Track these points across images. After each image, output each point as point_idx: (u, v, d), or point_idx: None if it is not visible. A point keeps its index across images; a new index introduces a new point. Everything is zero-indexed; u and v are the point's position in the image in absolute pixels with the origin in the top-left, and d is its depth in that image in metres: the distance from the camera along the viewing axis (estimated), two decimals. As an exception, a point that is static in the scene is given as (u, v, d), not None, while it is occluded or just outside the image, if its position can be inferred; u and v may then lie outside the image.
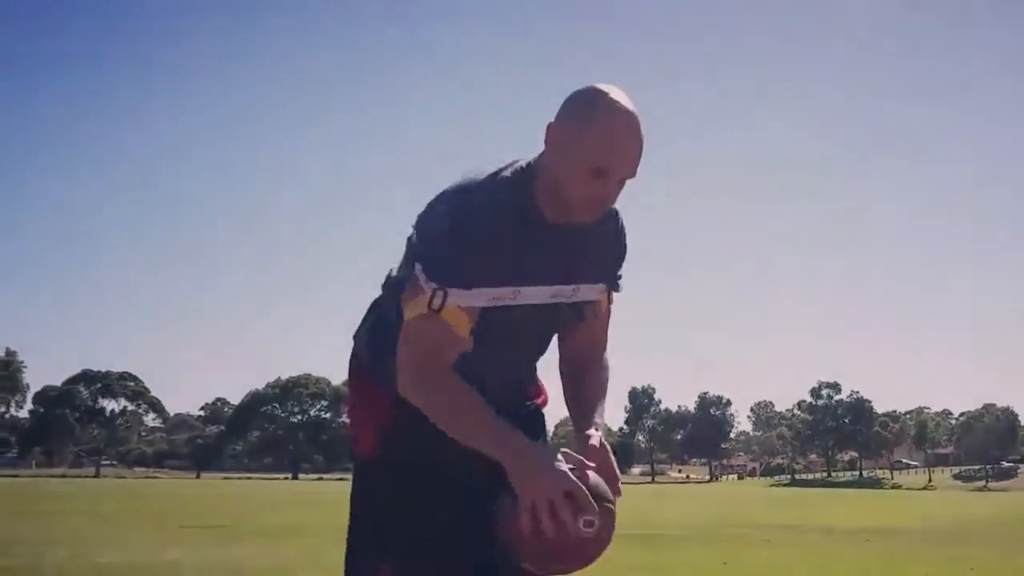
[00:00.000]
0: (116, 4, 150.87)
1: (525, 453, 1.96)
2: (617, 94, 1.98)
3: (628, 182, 2.03)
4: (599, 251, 2.20)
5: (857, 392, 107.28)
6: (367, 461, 2.21)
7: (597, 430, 2.12)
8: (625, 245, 2.28)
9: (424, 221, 2.06)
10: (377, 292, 2.30)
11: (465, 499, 2.14)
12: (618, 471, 2.07)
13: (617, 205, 2.20)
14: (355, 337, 2.33)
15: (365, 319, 2.32)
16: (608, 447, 2.09)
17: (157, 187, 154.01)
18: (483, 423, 2.01)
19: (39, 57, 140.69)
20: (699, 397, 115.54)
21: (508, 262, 2.03)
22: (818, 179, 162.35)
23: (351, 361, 2.33)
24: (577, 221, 2.05)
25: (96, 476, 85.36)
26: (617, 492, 2.03)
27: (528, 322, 2.12)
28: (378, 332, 2.21)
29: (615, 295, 2.31)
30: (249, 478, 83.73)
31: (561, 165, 1.99)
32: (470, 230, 2.00)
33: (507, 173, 2.09)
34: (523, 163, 2.11)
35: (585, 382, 2.26)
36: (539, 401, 2.38)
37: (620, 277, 2.28)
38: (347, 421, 2.33)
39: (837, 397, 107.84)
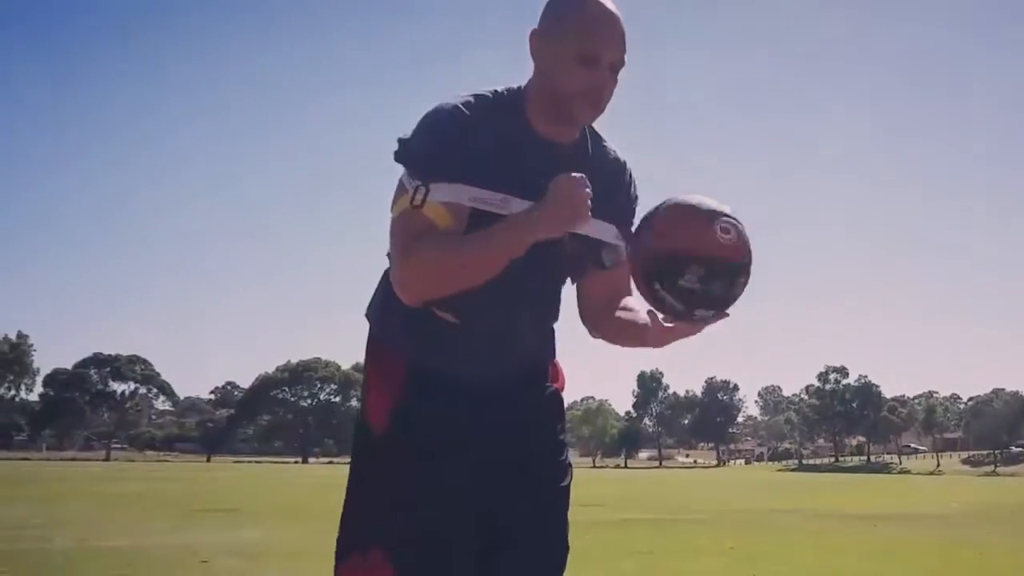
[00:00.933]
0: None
1: (527, 211, 1.93)
2: None
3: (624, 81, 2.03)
4: (604, 185, 2.08)
5: (865, 376, 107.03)
6: (376, 437, 2.14)
7: None
8: (636, 195, 2.24)
9: (413, 128, 2.05)
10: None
11: (472, 482, 2.08)
12: None
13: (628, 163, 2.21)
14: (368, 311, 2.29)
15: (376, 292, 2.28)
16: None
17: (168, 171, 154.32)
18: (481, 236, 1.94)
19: (41, 56, 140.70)
20: (706, 382, 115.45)
21: (495, 166, 2.00)
22: (825, 161, 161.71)
23: (368, 336, 2.27)
24: (578, 119, 2.05)
25: (106, 459, 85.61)
26: None
27: (529, 251, 1.96)
28: (387, 301, 2.16)
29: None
30: (259, 462, 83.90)
31: (549, 63, 2.02)
32: (454, 126, 1.99)
33: (500, 88, 2.10)
34: (515, 84, 2.12)
35: (624, 307, 2.18)
36: (556, 385, 2.31)
37: (635, 226, 2.18)
38: (359, 397, 2.28)
39: (845, 381, 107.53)
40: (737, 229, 1.96)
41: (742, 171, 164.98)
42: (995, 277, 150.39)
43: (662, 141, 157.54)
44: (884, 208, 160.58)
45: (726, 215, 1.96)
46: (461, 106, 2.02)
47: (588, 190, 1.90)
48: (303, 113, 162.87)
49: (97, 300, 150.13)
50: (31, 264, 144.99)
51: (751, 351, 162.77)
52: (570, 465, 2.28)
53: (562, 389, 2.33)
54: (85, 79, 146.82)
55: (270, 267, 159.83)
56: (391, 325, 2.18)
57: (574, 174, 1.90)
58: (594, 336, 2.26)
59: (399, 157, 2.02)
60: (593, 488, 23.80)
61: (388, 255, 2.08)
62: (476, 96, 2.05)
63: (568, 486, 2.24)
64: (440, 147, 1.98)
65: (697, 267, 1.90)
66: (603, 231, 2.10)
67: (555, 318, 2.29)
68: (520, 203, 1.98)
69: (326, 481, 29.60)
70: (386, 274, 2.23)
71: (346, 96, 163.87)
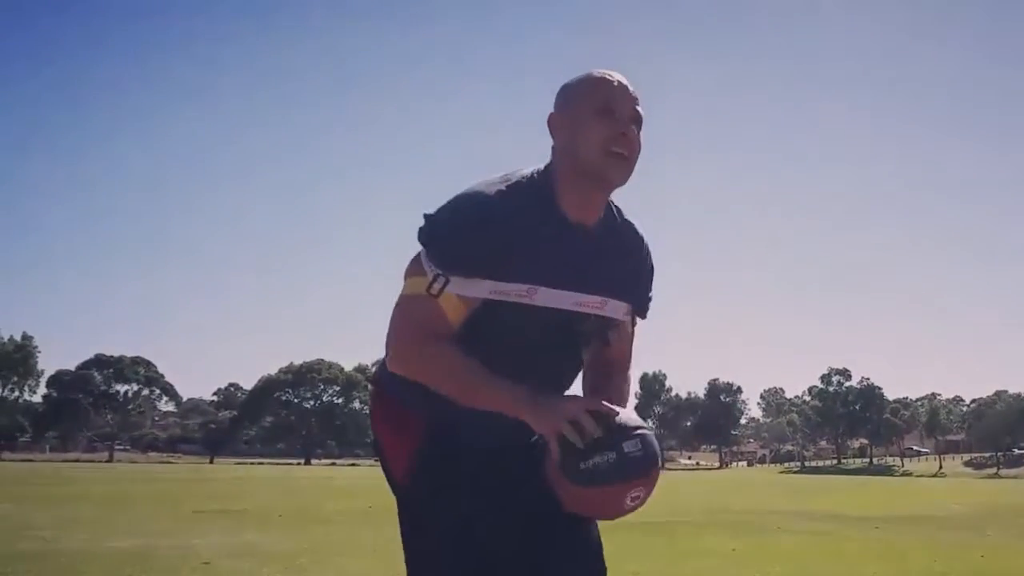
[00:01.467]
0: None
1: (538, 394, 1.97)
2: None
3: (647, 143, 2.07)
4: (627, 263, 2.18)
5: (867, 379, 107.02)
6: (404, 486, 2.16)
7: None
8: (652, 268, 2.28)
9: (437, 209, 2.05)
10: (388, 285, 2.28)
11: (504, 524, 2.11)
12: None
13: (640, 223, 2.23)
14: (379, 365, 2.30)
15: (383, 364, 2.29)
16: None
17: (172, 175, 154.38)
18: (487, 378, 1.99)
19: (45, 55, 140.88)
20: (709, 383, 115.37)
21: (523, 258, 2.00)
22: (828, 162, 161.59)
23: (373, 393, 2.31)
24: (611, 175, 2.04)
25: (109, 461, 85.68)
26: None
27: (552, 332, 2.06)
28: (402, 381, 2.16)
29: (640, 321, 2.29)
30: (262, 463, 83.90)
31: (569, 132, 2.05)
32: (483, 219, 1.98)
33: (527, 171, 2.10)
34: (542, 165, 2.12)
35: (607, 389, 2.23)
36: None
37: (649, 301, 2.29)
38: (378, 449, 2.27)
39: (847, 384, 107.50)
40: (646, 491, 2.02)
41: (744, 173, 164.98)
42: (998, 280, 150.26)
43: (662, 142, 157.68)
44: (887, 210, 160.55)
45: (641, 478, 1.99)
46: (493, 196, 2.01)
47: (587, 418, 1.92)
48: (306, 115, 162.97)
49: (100, 301, 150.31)
50: (34, 265, 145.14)
51: (754, 353, 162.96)
52: None
53: None
54: (88, 82, 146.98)
55: (273, 269, 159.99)
56: (405, 386, 2.17)
57: (587, 402, 1.97)
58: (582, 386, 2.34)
59: (424, 238, 2.03)
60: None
61: (390, 321, 2.10)
62: (507, 184, 2.05)
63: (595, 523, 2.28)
64: (466, 242, 1.98)
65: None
66: (618, 311, 2.18)
67: (575, 378, 2.33)
68: (547, 292, 2.03)
69: (329, 483, 29.63)
70: None
71: (351, 98, 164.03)
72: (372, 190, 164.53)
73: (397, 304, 2.07)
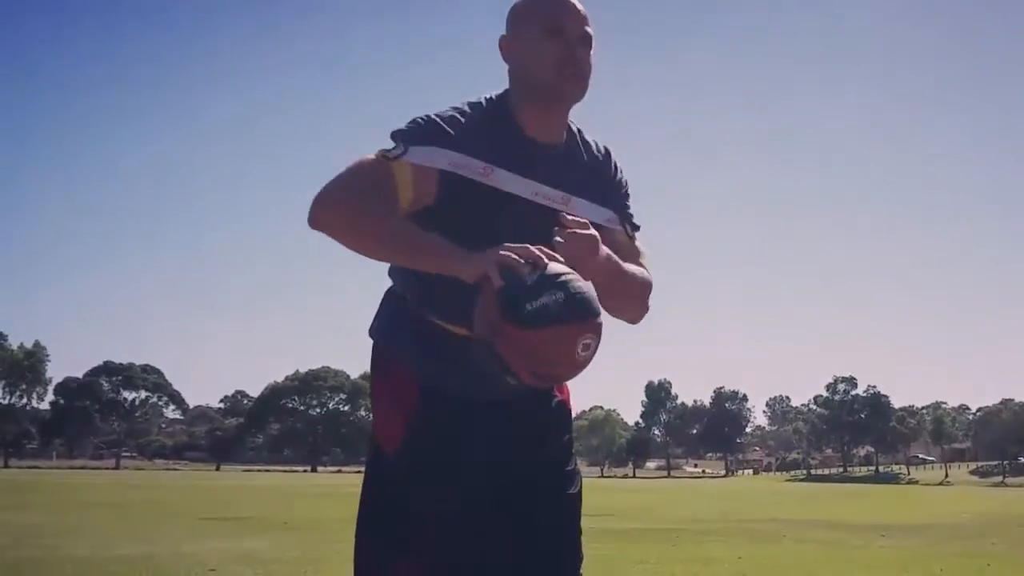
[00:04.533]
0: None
1: (471, 253, 1.83)
2: None
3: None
4: (594, 175, 2.18)
5: (874, 387, 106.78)
6: (392, 452, 2.16)
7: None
8: (624, 179, 2.26)
9: None
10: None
11: (492, 495, 2.11)
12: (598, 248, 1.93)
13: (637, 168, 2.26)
14: (371, 330, 2.30)
15: (380, 310, 2.30)
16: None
17: (178, 182, 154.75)
18: (421, 233, 1.90)
19: (53, 60, 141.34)
20: (715, 392, 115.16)
21: (482, 150, 2.01)
22: (834, 170, 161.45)
23: (372, 354, 2.29)
24: (565, 94, 2.07)
25: (116, 468, 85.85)
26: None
27: (513, 225, 1.97)
28: (395, 320, 2.19)
29: (637, 234, 2.25)
30: (268, 470, 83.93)
31: (520, 54, 2.08)
32: (444, 112, 2.04)
33: (485, 95, 2.15)
34: (500, 90, 2.16)
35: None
36: (563, 396, 2.32)
37: (629, 208, 2.25)
38: (371, 415, 2.28)
39: (853, 392, 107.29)
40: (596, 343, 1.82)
41: (747, 178, 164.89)
42: (1004, 288, 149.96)
43: (664, 143, 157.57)
44: (893, 218, 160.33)
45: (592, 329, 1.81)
46: (453, 108, 2.07)
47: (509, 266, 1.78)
48: (312, 121, 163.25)
49: (108, 309, 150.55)
50: (42, 273, 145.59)
51: (759, 361, 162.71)
52: (578, 473, 2.30)
53: (568, 399, 2.35)
54: (95, 86, 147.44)
55: (280, 277, 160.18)
56: (400, 342, 2.20)
57: (509, 254, 1.79)
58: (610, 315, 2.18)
59: (392, 133, 2.02)
60: (601, 498, 23.74)
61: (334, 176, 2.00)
62: (465, 102, 2.09)
63: (578, 493, 2.27)
64: (428, 124, 2.02)
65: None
66: (597, 213, 2.15)
67: None
68: (504, 174, 2.01)
69: (335, 490, 29.60)
70: (389, 293, 2.26)
71: (359, 105, 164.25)
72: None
73: (349, 160, 2.02)
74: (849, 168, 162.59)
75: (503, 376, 1.82)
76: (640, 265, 2.18)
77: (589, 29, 2.08)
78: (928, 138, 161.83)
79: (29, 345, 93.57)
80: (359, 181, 1.95)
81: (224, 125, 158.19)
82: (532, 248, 1.79)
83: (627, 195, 2.26)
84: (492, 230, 1.92)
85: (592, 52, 2.10)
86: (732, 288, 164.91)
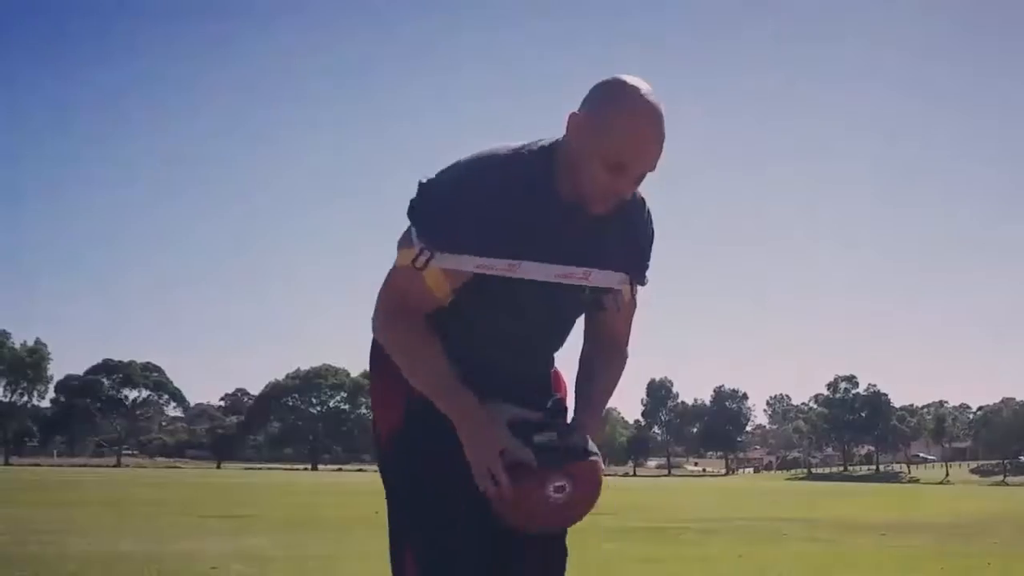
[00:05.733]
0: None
1: (471, 413, 2.03)
2: (642, 88, 1.96)
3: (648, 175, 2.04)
4: (621, 237, 2.16)
5: (874, 386, 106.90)
6: (390, 441, 2.22)
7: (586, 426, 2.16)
8: (652, 235, 2.25)
9: (431, 181, 2.05)
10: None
11: (469, 500, 2.10)
12: (591, 449, 2.10)
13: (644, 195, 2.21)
14: (374, 319, 2.29)
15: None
16: (590, 439, 2.13)
17: (178, 180, 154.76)
18: (438, 374, 2.06)
19: (57, 61, 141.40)
20: (715, 390, 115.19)
21: (510, 233, 2.00)
22: (833, 168, 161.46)
23: (372, 347, 2.31)
24: (592, 211, 2.04)
25: (117, 466, 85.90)
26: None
27: (538, 302, 2.08)
28: None
29: (640, 288, 2.27)
30: (269, 468, 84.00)
31: (579, 154, 1.99)
32: (472, 193, 1.99)
33: (527, 147, 2.08)
34: (546, 141, 2.08)
35: (593, 374, 2.26)
36: (560, 394, 2.34)
37: (646, 268, 2.26)
38: (370, 405, 2.35)
39: (854, 391, 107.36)
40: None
41: (748, 176, 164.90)
42: (1005, 286, 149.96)
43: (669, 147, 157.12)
44: (893, 216, 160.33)
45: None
46: (488, 175, 2.02)
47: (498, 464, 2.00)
48: (312, 120, 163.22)
49: (108, 307, 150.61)
50: (43, 270, 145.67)
51: (760, 360, 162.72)
52: None
53: (565, 396, 2.36)
54: (94, 85, 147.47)
55: (281, 274, 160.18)
56: None
57: (509, 450, 2.02)
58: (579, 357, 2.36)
59: (412, 215, 2.04)
60: (602, 496, 23.67)
61: (379, 293, 2.16)
62: (507, 159, 2.04)
63: None
64: (454, 222, 1.99)
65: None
66: (612, 280, 2.17)
67: (562, 345, 2.35)
68: (530, 266, 2.02)
69: (336, 488, 29.64)
70: None
71: (360, 104, 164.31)
72: (379, 194, 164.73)
73: (387, 274, 2.11)
74: (849, 166, 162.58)
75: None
76: (626, 321, 2.30)
77: (656, 162, 2.01)
78: (927, 136, 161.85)
79: (30, 343, 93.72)
80: (394, 299, 2.10)
81: (226, 122, 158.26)
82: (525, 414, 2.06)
83: (649, 255, 2.26)
84: (514, 308, 2.10)
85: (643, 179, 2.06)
86: (733, 286, 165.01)
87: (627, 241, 2.19)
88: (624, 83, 1.97)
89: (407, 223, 2.06)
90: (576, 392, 2.26)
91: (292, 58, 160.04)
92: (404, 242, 2.06)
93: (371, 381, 2.33)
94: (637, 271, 2.23)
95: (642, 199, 2.22)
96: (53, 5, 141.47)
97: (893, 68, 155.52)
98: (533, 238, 2.02)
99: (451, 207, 2.00)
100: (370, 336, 2.30)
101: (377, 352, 2.29)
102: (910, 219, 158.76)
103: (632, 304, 2.27)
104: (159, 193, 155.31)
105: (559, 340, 2.31)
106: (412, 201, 2.04)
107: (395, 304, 2.08)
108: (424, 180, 2.05)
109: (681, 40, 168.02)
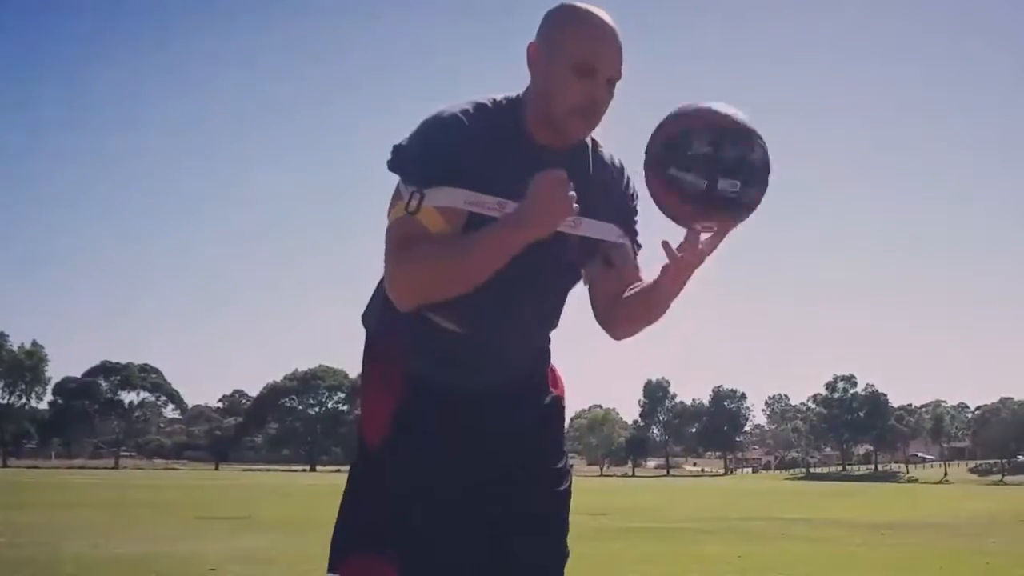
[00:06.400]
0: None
1: (511, 212, 1.93)
2: (591, 4, 2.04)
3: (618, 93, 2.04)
4: (601, 187, 2.13)
5: (872, 385, 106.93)
6: (377, 445, 2.16)
7: None
8: (635, 193, 2.22)
9: (405, 137, 2.05)
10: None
11: (476, 490, 2.10)
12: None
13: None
14: (364, 317, 2.30)
15: (372, 299, 2.29)
16: None
17: (174, 182, 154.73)
18: (468, 242, 1.95)
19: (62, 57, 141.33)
20: (713, 390, 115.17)
21: (492, 172, 1.99)
22: (833, 167, 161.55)
23: (365, 342, 2.29)
24: (572, 133, 2.04)
25: (115, 467, 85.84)
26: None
27: (533, 255, 1.98)
28: (386, 309, 2.15)
29: (641, 250, 2.23)
30: (267, 470, 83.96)
31: (547, 74, 2.01)
32: (449, 130, 1.99)
33: (498, 96, 2.10)
34: (511, 92, 2.11)
35: (631, 288, 2.17)
36: (557, 391, 2.32)
37: (636, 224, 2.23)
38: (360, 406, 2.29)
39: (852, 390, 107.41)
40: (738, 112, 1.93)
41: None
42: (1003, 286, 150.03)
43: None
44: (892, 216, 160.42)
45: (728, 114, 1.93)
46: (459, 114, 2.02)
47: (567, 186, 1.89)
48: (310, 119, 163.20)
49: (106, 308, 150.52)
50: (40, 272, 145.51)
51: (758, 360, 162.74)
52: (569, 470, 2.30)
53: (562, 395, 2.34)
54: (93, 83, 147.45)
55: (278, 275, 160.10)
56: (390, 333, 2.20)
57: (551, 171, 1.89)
58: (616, 336, 2.24)
59: (393, 165, 2.03)
60: (600, 497, 23.80)
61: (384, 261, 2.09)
62: (474, 105, 2.05)
63: (568, 490, 2.26)
64: (436, 153, 1.97)
65: (703, 136, 1.87)
66: (606, 231, 2.13)
67: (556, 325, 2.29)
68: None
69: (334, 489, 29.51)
70: (383, 281, 2.22)
71: (354, 102, 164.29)
72: (379, 192, 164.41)
73: (385, 239, 2.05)
74: (847, 167, 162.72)
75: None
76: (640, 279, 2.21)
77: (620, 70, 2.03)
78: (925, 135, 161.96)
79: (28, 345, 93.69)
80: (403, 254, 1.99)
81: (222, 124, 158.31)
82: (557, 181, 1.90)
83: (636, 212, 2.23)
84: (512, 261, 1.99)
85: (614, 89, 2.05)
86: (730, 287, 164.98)
87: (608, 191, 2.16)
88: (573, 3, 2.04)
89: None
90: (630, 299, 2.16)
91: (289, 55, 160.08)
92: (392, 201, 2.04)
93: (361, 382, 2.29)
94: (629, 225, 2.21)
95: (620, 162, 2.22)
96: None
97: (894, 61, 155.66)
98: (514, 179, 1.96)
99: (432, 145, 1.99)
100: (359, 345, 2.28)
101: (369, 354, 2.27)
102: (908, 219, 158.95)
103: (636, 268, 2.21)
104: (157, 195, 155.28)
105: (555, 309, 2.24)
106: (390, 158, 2.03)
107: (397, 252, 2.00)
108: (397, 143, 2.04)
109: (681, 38, 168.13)
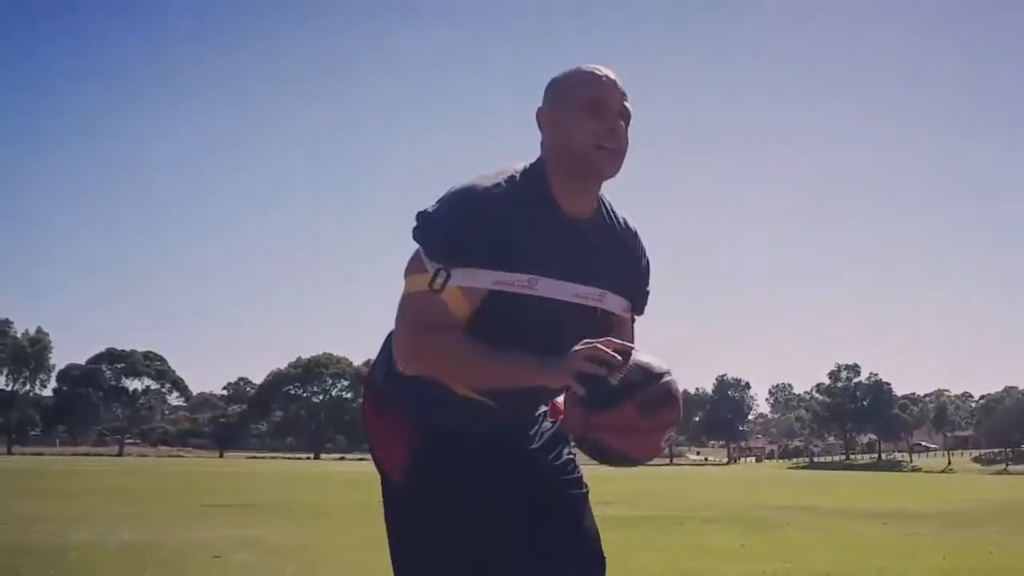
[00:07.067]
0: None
1: (547, 359, 1.96)
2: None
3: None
4: (621, 257, 2.18)
5: (876, 374, 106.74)
6: (398, 489, 2.19)
7: None
8: (648, 266, 2.28)
9: (431, 206, 2.03)
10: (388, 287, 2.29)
11: (493, 528, 2.13)
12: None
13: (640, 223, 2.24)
14: (372, 367, 2.32)
15: (380, 353, 2.30)
16: None
17: (181, 167, 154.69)
18: (492, 356, 1.98)
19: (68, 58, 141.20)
20: (717, 379, 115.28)
21: (522, 248, 2.00)
22: (837, 159, 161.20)
23: (366, 391, 2.32)
24: (599, 169, 2.04)
25: (119, 455, 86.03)
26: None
27: (551, 325, 2.03)
28: (395, 368, 2.17)
29: (637, 320, 2.29)
30: (272, 457, 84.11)
31: (558, 126, 2.05)
32: (480, 209, 1.98)
33: (519, 165, 2.11)
34: (528, 161, 2.13)
35: None
36: (561, 419, 2.33)
37: (647, 296, 2.29)
38: (370, 447, 2.30)
39: (856, 379, 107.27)
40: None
41: (752, 169, 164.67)
42: (1007, 274, 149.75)
43: (666, 136, 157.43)
44: (896, 205, 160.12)
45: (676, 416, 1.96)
46: (491, 189, 2.01)
47: (596, 361, 1.90)
48: (310, 108, 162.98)
49: (110, 296, 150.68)
50: (44, 259, 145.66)
51: (762, 349, 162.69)
52: (581, 477, 2.35)
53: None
54: (92, 75, 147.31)
55: (282, 263, 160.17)
56: (401, 391, 2.20)
57: (590, 349, 1.91)
58: None
59: (420, 237, 2.02)
60: (604, 485, 23.72)
61: (395, 320, 2.09)
62: (502, 177, 2.05)
63: (585, 494, 2.32)
64: (466, 232, 1.97)
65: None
66: (616, 305, 2.18)
67: None
68: (547, 283, 2.02)
69: (339, 476, 29.69)
70: (390, 336, 2.23)
71: (355, 95, 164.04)
72: (381, 184, 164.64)
73: (400, 304, 2.06)
74: (850, 157, 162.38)
75: (612, 462, 1.96)
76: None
77: (628, 105, 2.07)
78: (926, 123, 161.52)
79: (32, 332, 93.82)
80: (422, 330, 2.02)
81: (227, 112, 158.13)
82: (605, 348, 1.90)
83: (647, 281, 2.29)
84: (531, 328, 2.03)
85: (629, 127, 2.08)
86: (734, 275, 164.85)
87: (627, 265, 2.21)
88: (569, 69, 2.11)
89: (407, 215, 2.04)
90: None
91: (287, 55, 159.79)
92: (413, 268, 2.04)
93: (368, 421, 2.29)
94: (638, 299, 2.26)
95: (635, 229, 2.25)
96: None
97: (895, 55, 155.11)
98: (543, 254, 2.02)
99: (459, 221, 1.98)
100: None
101: (373, 392, 2.29)
102: (911, 207, 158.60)
103: (631, 334, 2.27)
104: (162, 183, 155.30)
105: None
106: (416, 226, 2.02)
107: (420, 329, 2.02)
108: (422, 210, 2.03)
109: (679, 36, 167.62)
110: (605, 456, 1.93)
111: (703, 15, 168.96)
